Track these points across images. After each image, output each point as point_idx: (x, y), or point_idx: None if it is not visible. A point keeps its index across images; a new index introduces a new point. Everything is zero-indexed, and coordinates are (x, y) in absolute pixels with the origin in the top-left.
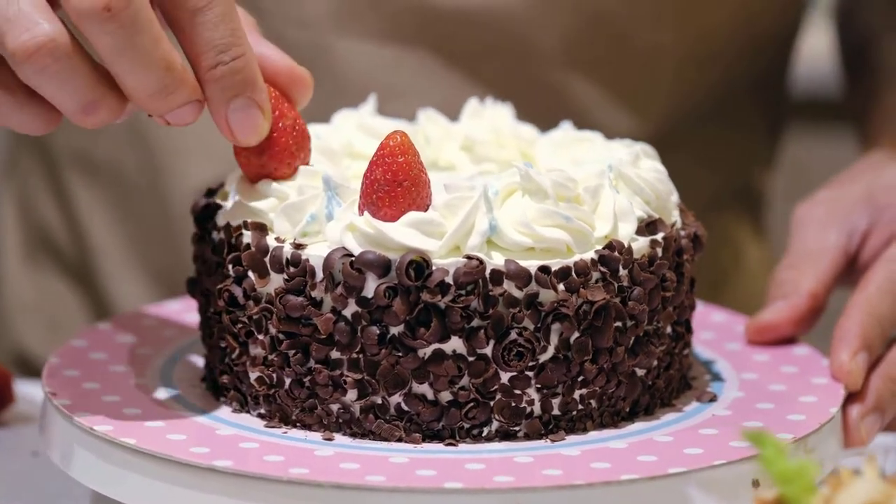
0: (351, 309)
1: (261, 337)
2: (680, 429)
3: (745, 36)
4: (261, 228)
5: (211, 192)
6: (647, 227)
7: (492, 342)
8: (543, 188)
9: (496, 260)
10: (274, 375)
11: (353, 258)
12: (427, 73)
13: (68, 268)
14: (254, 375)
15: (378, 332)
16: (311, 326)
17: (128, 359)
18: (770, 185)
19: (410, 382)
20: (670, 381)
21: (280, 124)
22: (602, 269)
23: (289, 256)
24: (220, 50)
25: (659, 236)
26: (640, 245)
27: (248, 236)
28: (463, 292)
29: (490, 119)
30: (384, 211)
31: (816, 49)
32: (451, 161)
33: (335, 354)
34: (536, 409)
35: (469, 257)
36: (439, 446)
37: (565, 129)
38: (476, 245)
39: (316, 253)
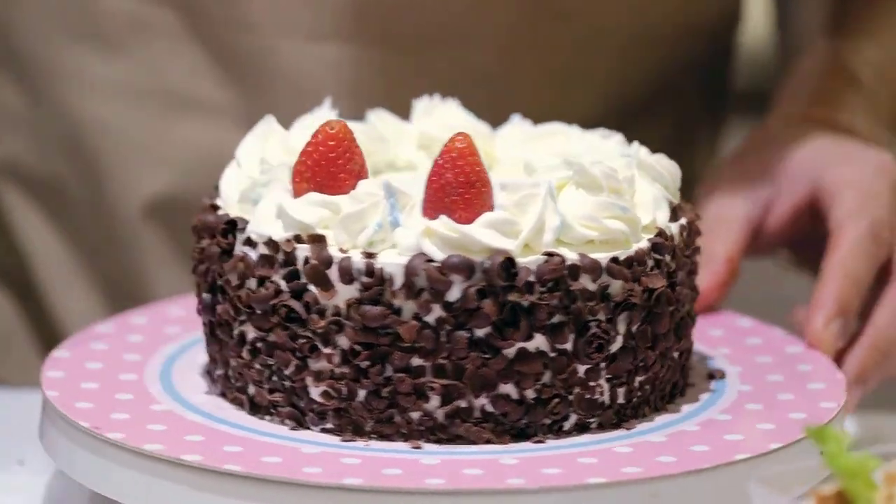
0: (435, 314)
1: (327, 350)
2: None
3: (685, 21)
4: (320, 240)
5: (212, 208)
6: (673, 212)
7: (572, 337)
8: (598, 181)
9: (568, 254)
10: (344, 388)
11: (438, 263)
12: (371, 69)
13: (9, 284)
14: (318, 390)
15: (467, 335)
16: (391, 335)
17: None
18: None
19: (497, 383)
20: (691, 364)
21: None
22: (656, 256)
23: (361, 266)
24: None
25: (684, 221)
26: (674, 231)
27: (303, 249)
28: (543, 289)
29: (442, 116)
30: (458, 214)
31: (758, 40)
32: (411, 160)
33: (417, 361)
34: (606, 399)
35: (549, 254)
36: (529, 444)
37: (518, 123)
38: (549, 242)
39: (392, 261)
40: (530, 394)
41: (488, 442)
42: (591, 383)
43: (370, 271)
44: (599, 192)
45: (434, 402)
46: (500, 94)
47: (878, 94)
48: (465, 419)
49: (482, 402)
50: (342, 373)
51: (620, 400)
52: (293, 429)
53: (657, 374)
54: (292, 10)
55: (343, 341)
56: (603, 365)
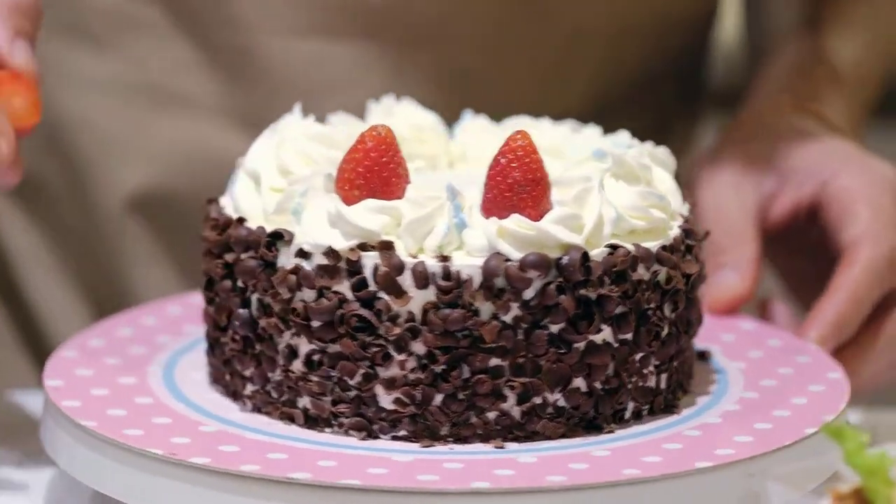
0: (513, 313)
1: (401, 357)
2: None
3: (665, 17)
4: (388, 247)
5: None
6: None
7: (634, 326)
8: (635, 171)
9: (627, 246)
10: (418, 394)
11: (515, 262)
12: (358, 67)
13: None
14: (389, 398)
15: (546, 332)
16: (470, 337)
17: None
18: (685, 172)
19: (571, 377)
20: None
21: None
22: (688, 242)
23: (437, 270)
24: None
25: (689, 206)
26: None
27: (370, 257)
28: (610, 281)
29: (404, 115)
30: (528, 211)
31: (731, 38)
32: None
33: (495, 361)
34: (654, 385)
35: (612, 246)
36: (605, 436)
37: (474, 119)
38: (608, 234)
39: (468, 262)
40: (598, 385)
41: (563, 436)
42: (644, 370)
43: (447, 274)
44: (636, 182)
45: (511, 400)
46: (485, 92)
47: (853, 90)
48: (540, 415)
49: (556, 397)
50: (417, 378)
51: (663, 385)
52: (363, 439)
53: (687, 358)
54: (279, 6)
55: (418, 347)
56: (654, 352)
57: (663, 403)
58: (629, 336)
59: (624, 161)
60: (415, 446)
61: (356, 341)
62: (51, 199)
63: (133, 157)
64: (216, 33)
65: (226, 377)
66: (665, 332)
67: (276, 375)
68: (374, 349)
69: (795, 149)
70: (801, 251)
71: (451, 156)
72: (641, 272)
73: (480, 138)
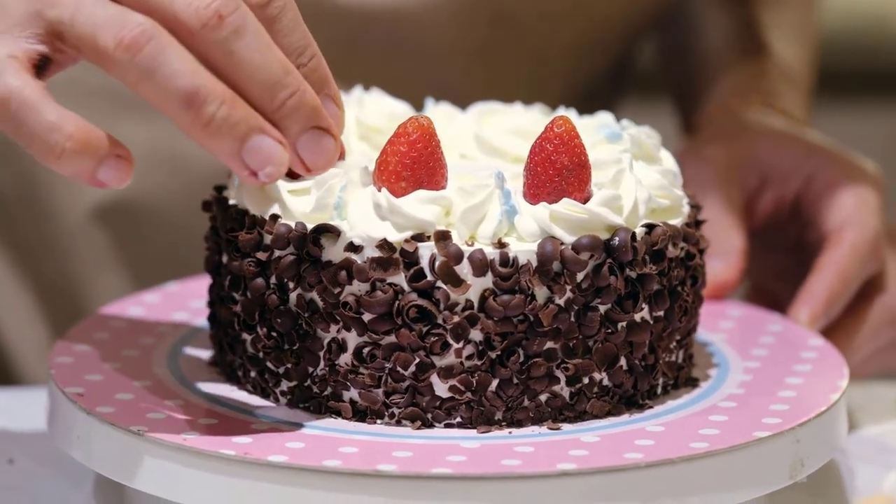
0: (566, 296)
1: (458, 345)
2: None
3: (626, 28)
4: (445, 237)
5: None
6: None
7: (668, 303)
8: (651, 151)
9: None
10: (474, 381)
11: (571, 245)
12: (338, 78)
13: None
14: (445, 386)
15: (597, 313)
16: (526, 322)
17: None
18: None
19: (618, 356)
20: None
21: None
22: (697, 218)
23: (495, 257)
24: (298, 52)
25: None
26: None
27: (426, 248)
28: (648, 259)
29: (375, 105)
30: (575, 195)
31: None
32: (352, 150)
33: (549, 345)
34: (675, 360)
35: (649, 226)
36: (648, 412)
37: (438, 106)
38: (643, 214)
39: (523, 248)
40: (638, 363)
41: (608, 414)
42: (671, 346)
43: (505, 261)
44: (653, 161)
45: (562, 382)
46: (459, 102)
47: (801, 88)
48: (588, 395)
49: (601, 376)
50: (473, 365)
51: (681, 360)
52: (418, 428)
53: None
54: None
55: (475, 334)
56: (681, 327)
57: (684, 377)
58: (662, 313)
59: (641, 141)
60: (472, 433)
61: (414, 332)
62: (6, 207)
63: None
64: None
65: (249, 374)
66: (688, 307)
67: (319, 370)
68: (433, 338)
69: (777, 147)
70: (777, 248)
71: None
72: (673, 250)
73: (449, 125)
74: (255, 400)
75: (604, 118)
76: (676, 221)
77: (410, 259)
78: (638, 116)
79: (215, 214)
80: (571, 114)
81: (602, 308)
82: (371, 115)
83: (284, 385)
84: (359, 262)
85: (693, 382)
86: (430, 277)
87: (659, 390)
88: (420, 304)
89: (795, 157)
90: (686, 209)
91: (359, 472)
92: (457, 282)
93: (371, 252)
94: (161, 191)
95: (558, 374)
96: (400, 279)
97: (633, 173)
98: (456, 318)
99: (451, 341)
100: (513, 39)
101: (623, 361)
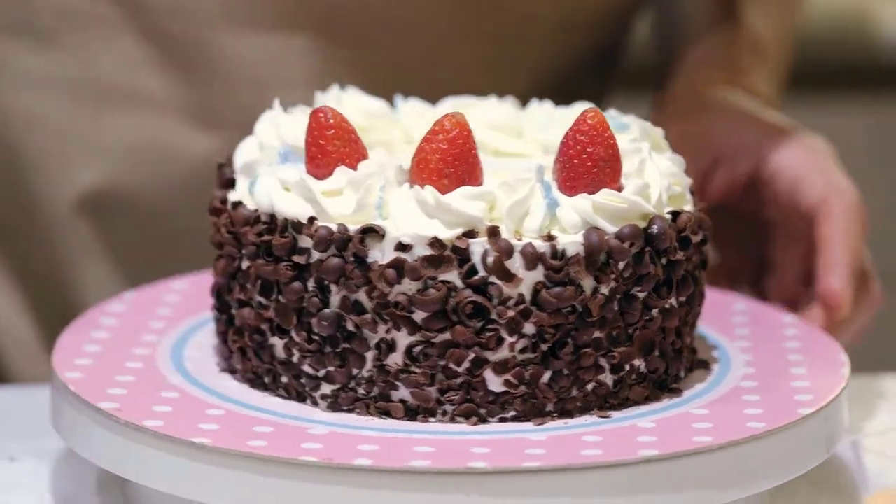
0: (610, 285)
1: (512, 339)
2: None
3: (603, 7)
4: (495, 232)
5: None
6: None
7: (691, 288)
8: (660, 140)
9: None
10: (527, 374)
11: (612, 234)
12: (310, 60)
13: None
14: (499, 381)
15: (640, 301)
16: (576, 313)
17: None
18: None
19: (654, 342)
20: None
21: None
22: (699, 203)
23: (546, 250)
24: None
25: None
26: None
27: (477, 244)
28: (677, 246)
29: (353, 103)
30: (612, 185)
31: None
32: None
33: (597, 334)
34: (688, 343)
35: (675, 213)
36: (676, 397)
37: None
38: (665, 202)
39: (569, 240)
40: (669, 348)
41: (647, 399)
42: (684, 331)
43: (554, 253)
44: (661, 149)
45: (606, 370)
46: (436, 80)
47: (773, 64)
48: (628, 382)
49: (639, 362)
50: (526, 359)
51: (692, 344)
52: (473, 424)
53: None
54: (233, 0)
55: (528, 328)
56: (698, 311)
57: (691, 364)
58: (685, 298)
59: (650, 131)
60: (528, 425)
61: (469, 328)
62: None
63: (82, 156)
64: (167, 27)
65: (280, 380)
66: (703, 290)
67: (365, 371)
68: (488, 334)
69: (730, 127)
70: (734, 223)
71: (402, 140)
72: (694, 236)
73: (422, 120)
74: (253, 396)
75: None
76: (688, 207)
77: (463, 256)
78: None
79: (231, 218)
80: (547, 105)
81: (641, 295)
82: (350, 114)
83: (326, 389)
84: (409, 260)
85: (704, 365)
86: (482, 273)
87: (682, 373)
88: (475, 301)
89: (749, 137)
90: (688, 196)
91: (448, 470)
92: (509, 276)
93: (421, 250)
94: (146, 182)
95: (603, 362)
96: (452, 276)
97: (653, 162)
98: (510, 313)
99: (505, 336)
100: (487, 12)
101: (657, 347)
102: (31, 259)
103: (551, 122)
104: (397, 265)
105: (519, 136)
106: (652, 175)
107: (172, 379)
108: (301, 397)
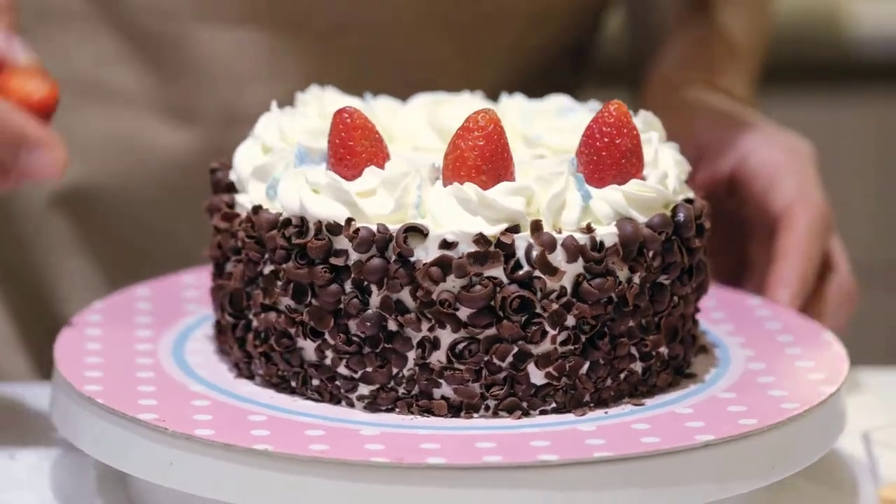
0: (641, 274)
1: (554, 332)
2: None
3: (575, 1)
4: (539, 227)
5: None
6: None
7: (702, 274)
8: (662, 130)
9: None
10: (567, 366)
11: (645, 224)
12: (287, 54)
13: None
14: (541, 374)
15: (665, 289)
16: (612, 303)
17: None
18: None
19: (678, 328)
20: None
21: None
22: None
23: (586, 242)
24: None
25: None
26: None
27: (522, 238)
28: (695, 232)
29: (333, 104)
30: (638, 176)
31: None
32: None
33: (630, 323)
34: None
35: (688, 200)
36: (697, 382)
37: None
38: (677, 189)
39: (605, 231)
40: (686, 334)
41: (670, 385)
42: (695, 317)
43: (594, 245)
44: (664, 140)
45: (637, 358)
46: (410, 74)
47: (747, 63)
48: (654, 369)
49: (665, 350)
50: (568, 350)
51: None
52: (518, 418)
53: None
54: None
55: (569, 320)
56: (703, 297)
57: (700, 346)
58: (696, 284)
59: (652, 121)
60: (569, 416)
61: (515, 322)
62: None
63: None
64: (141, 23)
65: (310, 383)
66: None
67: (406, 370)
68: (533, 328)
69: (712, 124)
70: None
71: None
72: (707, 222)
73: (393, 118)
74: (284, 400)
75: (559, 100)
76: (691, 195)
77: (508, 251)
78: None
79: (252, 223)
80: (518, 98)
81: (667, 283)
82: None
83: (363, 389)
84: (455, 258)
85: (704, 350)
86: (526, 268)
87: (693, 358)
88: (522, 295)
89: (730, 135)
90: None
91: (518, 464)
92: (552, 270)
93: (466, 247)
94: (121, 178)
95: (634, 351)
96: (497, 272)
97: (664, 151)
98: (554, 306)
99: (548, 329)
100: (452, 10)
101: (679, 334)
102: (6, 255)
103: (527, 114)
104: (442, 263)
105: None
106: (667, 164)
107: (194, 387)
108: (335, 399)
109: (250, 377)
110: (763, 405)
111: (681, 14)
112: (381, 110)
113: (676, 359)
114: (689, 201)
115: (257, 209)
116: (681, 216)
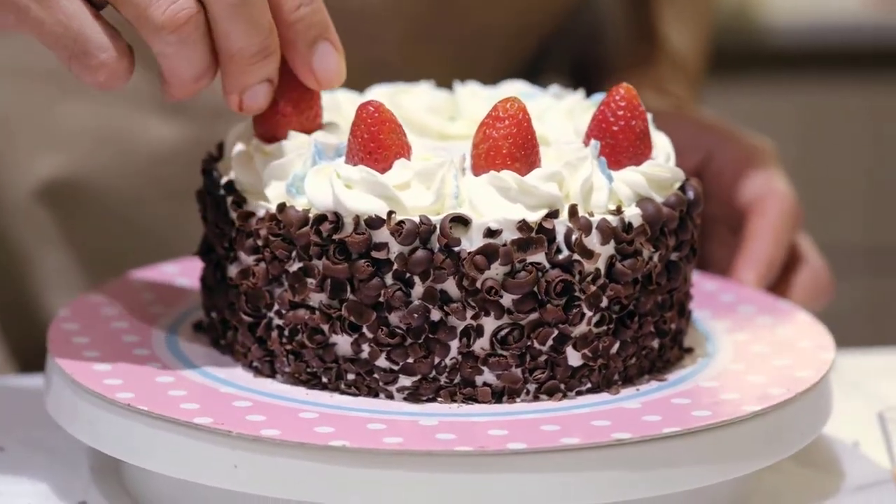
0: (661, 252)
1: (590, 314)
2: None
3: (555, 14)
4: (575, 211)
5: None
6: None
7: (696, 252)
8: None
9: None
10: (600, 346)
11: (663, 203)
12: None
13: None
14: (578, 355)
15: (678, 266)
16: (640, 283)
17: None
18: None
19: (685, 305)
20: None
21: None
22: None
23: (617, 224)
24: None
25: None
26: None
27: (561, 223)
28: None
29: (347, 102)
30: (649, 157)
31: None
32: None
33: (653, 301)
34: None
35: (685, 187)
36: (703, 358)
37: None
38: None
39: (632, 212)
40: (689, 310)
41: (679, 360)
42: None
43: (625, 227)
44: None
45: (656, 336)
46: (395, 80)
47: (690, 74)
48: (669, 346)
49: (673, 326)
50: (601, 331)
51: None
52: (558, 400)
53: None
54: None
55: (603, 301)
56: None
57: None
58: (693, 264)
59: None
60: (606, 396)
61: (557, 306)
62: None
63: (41, 145)
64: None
65: (345, 377)
66: None
67: (448, 360)
68: (574, 311)
69: (672, 126)
70: None
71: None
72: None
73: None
74: (322, 396)
75: (515, 86)
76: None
77: (550, 236)
78: None
79: (279, 221)
80: (473, 85)
81: (678, 261)
82: (347, 112)
83: (405, 381)
84: (499, 245)
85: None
86: (566, 252)
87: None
88: (564, 279)
89: (691, 135)
90: None
91: (595, 444)
92: (589, 253)
93: (510, 234)
94: (106, 171)
95: (653, 329)
96: (539, 257)
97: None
98: (592, 288)
99: (586, 311)
100: (449, 18)
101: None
102: None
103: (485, 101)
104: (488, 251)
105: (455, 119)
106: (665, 144)
107: (223, 389)
108: (372, 392)
109: (271, 375)
110: (781, 379)
111: (627, 36)
112: (344, 103)
113: (681, 334)
114: (686, 186)
115: (282, 207)
116: (690, 194)
